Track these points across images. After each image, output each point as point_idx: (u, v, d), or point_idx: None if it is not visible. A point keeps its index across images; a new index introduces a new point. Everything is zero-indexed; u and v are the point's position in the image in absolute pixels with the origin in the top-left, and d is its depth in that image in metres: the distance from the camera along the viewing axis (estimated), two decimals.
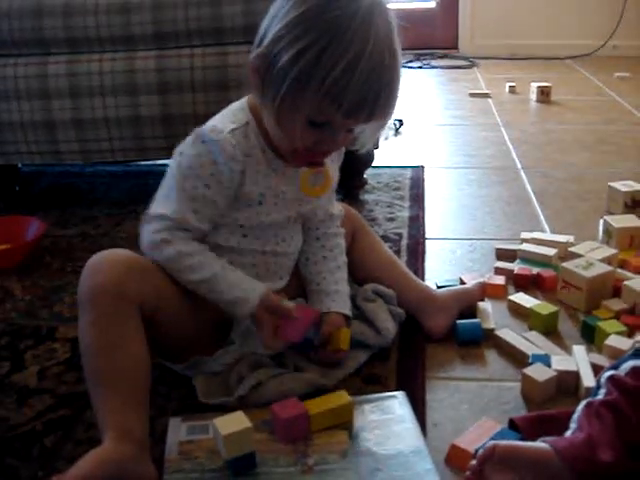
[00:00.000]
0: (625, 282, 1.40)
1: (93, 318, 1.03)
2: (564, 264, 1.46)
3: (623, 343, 1.23)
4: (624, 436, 0.92)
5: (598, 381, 1.00)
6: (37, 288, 1.60)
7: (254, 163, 1.15)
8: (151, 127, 1.91)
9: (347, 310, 1.27)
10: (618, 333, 1.27)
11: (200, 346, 1.19)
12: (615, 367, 1.00)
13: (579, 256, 1.50)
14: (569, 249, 1.57)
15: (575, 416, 0.98)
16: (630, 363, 0.98)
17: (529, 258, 1.60)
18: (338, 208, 1.35)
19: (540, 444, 0.94)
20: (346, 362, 1.22)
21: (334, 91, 1.00)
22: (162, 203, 1.15)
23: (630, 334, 1.29)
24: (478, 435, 1.04)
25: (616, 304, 1.38)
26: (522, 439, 1.00)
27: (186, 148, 1.14)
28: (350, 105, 1.02)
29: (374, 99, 1.03)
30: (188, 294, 1.15)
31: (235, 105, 1.20)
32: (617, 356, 1.19)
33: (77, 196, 2.22)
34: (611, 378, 0.97)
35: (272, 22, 1.05)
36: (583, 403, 0.98)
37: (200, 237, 1.16)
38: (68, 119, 1.94)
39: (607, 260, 1.49)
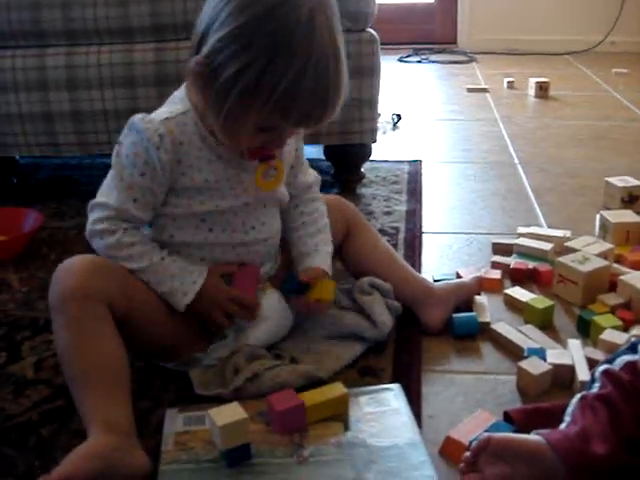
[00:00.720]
0: (621, 277, 1.41)
1: (64, 321, 1.05)
2: (560, 258, 1.46)
3: (618, 337, 1.24)
4: (618, 430, 0.92)
5: (592, 375, 1.01)
6: (34, 280, 1.60)
7: (193, 150, 1.14)
8: None
9: (326, 266, 1.27)
10: (613, 327, 1.27)
11: (189, 342, 1.20)
12: (610, 361, 1.00)
13: (575, 251, 1.51)
14: (565, 244, 1.57)
15: (569, 409, 0.98)
16: (625, 358, 0.98)
17: (525, 252, 1.61)
18: (314, 175, 1.35)
19: (534, 437, 0.95)
20: (342, 354, 1.23)
21: (280, 106, 1.00)
22: (105, 192, 1.16)
23: (625, 328, 1.29)
24: (473, 427, 1.04)
25: (612, 299, 1.39)
26: (516, 431, 1.01)
27: (123, 137, 1.14)
28: (297, 117, 1.02)
29: (322, 106, 1.03)
30: None
31: (177, 93, 1.19)
32: (612, 350, 1.20)
33: (75, 188, 2.22)
34: (606, 372, 0.98)
35: (211, 25, 1.03)
36: (577, 396, 0.98)
37: (141, 225, 1.18)
38: (66, 111, 1.94)
39: (603, 255, 1.49)
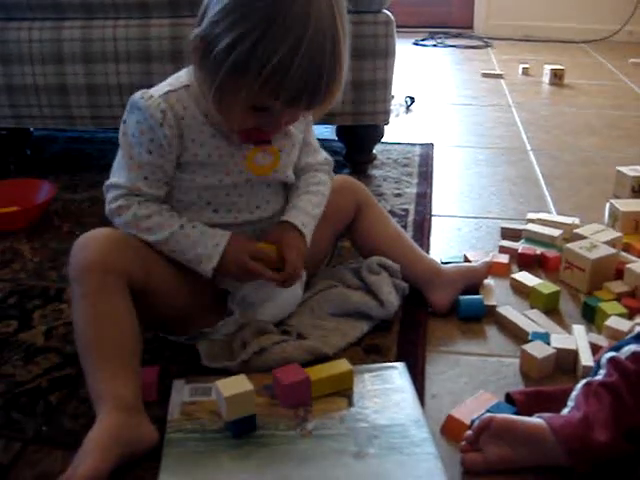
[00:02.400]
0: (628, 265, 1.41)
1: (82, 293, 1.06)
2: (568, 245, 1.47)
3: (623, 324, 1.24)
4: (620, 419, 0.93)
5: (598, 361, 1.02)
6: (46, 250, 1.62)
7: (195, 125, 1.13)
8: None
9: (297, 221, 1.22)
10: (618, 315, 1.28)
11: (200, 317, 1.21)
12: (616, 349, 1.01)
13: (584, 238, 1.51)
14: (574, 231, 1.58)
15: (573, 394, 0.99)
16: (632, 347, 0.99)
17: (534, 238, 1.61)
18: (324, 156, 1.33)
19: (536, 420, 0.96)
20: (348, 332, 1.24)
21: (271, 82, 0.98)
22: (117, 172, 1.16)
23: (630, 316, 1.30)
24: (474, 407, 1.05)
25: (618, 286, 1.39)
26: (517, 413, 1.02)
27: (127, 116, 1.14)
28: (288, 96, 1.00)
29: (313, 89, 1.00)
30: (179, 266, 1.17)
31: (183, 69, 1.18)
32: (616, 337, 1.21)
33: (88, 162, 2.24)
34: (612, 360, 0.98)
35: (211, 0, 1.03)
36: (582, 382, 0.99)
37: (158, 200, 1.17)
38: (81, 84, 1.96)
39: (612, 243, 1.50)
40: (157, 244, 1.15)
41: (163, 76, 1.87)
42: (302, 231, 1.22)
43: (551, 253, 1.53)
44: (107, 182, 1.17)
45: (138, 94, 1.12)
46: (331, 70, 1.00)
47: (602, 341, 1.22)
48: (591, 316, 1.32)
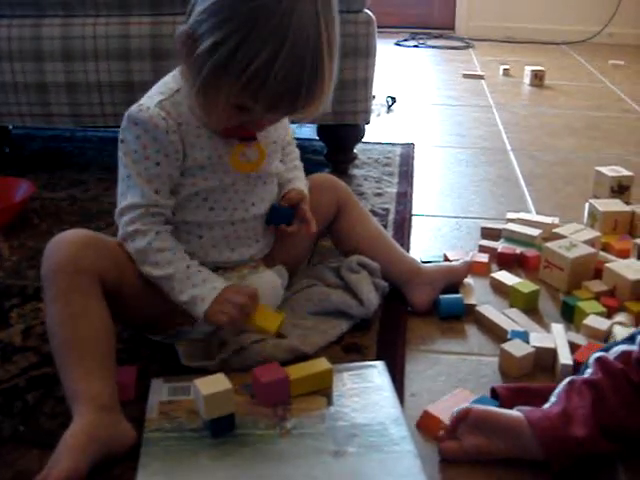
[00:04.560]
0: (606, 264, 1.42)
1: (54, 293, 1.05)
2: (547, 244, 1.47)
3: (601, 323, 1.25)
4: (600, 416, 0.94)
5: (586, 361, 1.03)
6: (24, 249, 1.61)
7: (192, 129, 1.13)
8: (143, 93, 1.88)
9: (305, 190, 1.29)
10: (597, 314, 1.29)
11: (178, 316, 1.19)
12: (606, 349, 1.02)
13: (563, 237, 1.52)
14: (553, 230, 1.59)
15: (556, 391, 1.00)
16: (621, 347, 1.00)
17: (513, 237, 1.62)
18: (291, 131, 1.34)
19: (514, 413, 0.97)
20: (328, 330, 1.24)
21: (251, 86, 0.98)
22: (127, 194, 1.13)
23: (609, 315, 1.31)
24: (451, 404, 1.06)
25: (596, 286, 1.40)
26: (500, 407, 1.02)
27: (125, 134, 1.12)
28: (267, 101, 1.00)
29: (293, 95, 1.00)
30: None
31: (170, 73, 1.18)
32: (595, 336, 1.22)
33: (67, 160, 2.22)
34: (598, 359, 1.00)
35: None
36: (567, 380, 1.00)
37: (170, 217, 1.15)
38: (61, 82, 1.94)
39: (591, 242, 1.51)
40: (158, 279, 1.12)
41: (142, 74, 1.89)
42: (307, 196, 1.28)
43: (530, 252, 1.54)
44: (119, 207, 1.13)
45: (134, 109, 1.11)
46: (311, 83, 1.00)
47: (581, 340, 1.23)
48: (570, 315, 1.33)
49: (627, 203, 1.77)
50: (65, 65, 1.93)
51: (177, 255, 1.13)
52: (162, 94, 1.13)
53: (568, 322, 1.32)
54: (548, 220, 1.68)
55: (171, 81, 1.15)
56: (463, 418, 0.98)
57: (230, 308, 1.10)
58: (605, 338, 1.23)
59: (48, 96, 1.96)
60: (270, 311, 1.15)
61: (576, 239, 1.50)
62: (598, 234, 1.57)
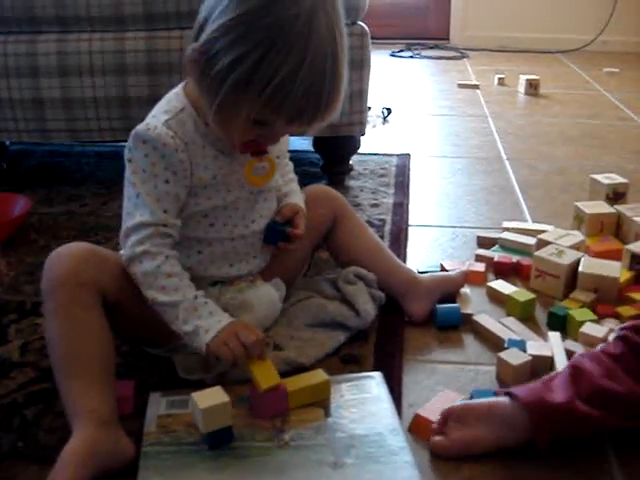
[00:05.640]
0: (580, 270, 1.43)
1: (54, 307, 1.06)
2: (537, 253, 1.48)
3: (598, 331, 1.26)
4: (579, 382, 1.01)
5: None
6: (22, 264, 1.61)
7: (198, 149, 1.13)
8: (139, 108, 1.92)
9: (302, 204, 1.29)
10: (590, 321, 1.30)
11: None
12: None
13: (548, 243, 1.53)
14: (538, 236, 1.60)
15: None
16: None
17: (509, 246, 1.63)
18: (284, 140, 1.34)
19: (496, 398, 1.04)
20: (325, 342, 1.24)
21: (273, 101, 0.98)
22: (135, 213, 1.11)
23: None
24: (440, 405, 1.08)
25: (582, 295, 1.40)
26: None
27: (133, 153, 1.12)
28: (290, 114, 1.01)
29: (315, 106, 1.01)
30: None
31: (172, 91, 1.18)
32: (592, 343, 1.23)
33: (64, 175, 2.23)
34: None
35: (211, 13, 1.01)
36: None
37: (177, 237, 1.14)
38: (57, 98, 1.95)
39: (576, 247, 1.53)
40: (162, 305, 1.09)
41: (138, 89, 1.90)
42: (304, 211, 1.29)
43: (526, 261, 1.54)
44: (126, 226, 1.11)
45: (141, 127, 1.11)
46: (332, 88, 1.01)
47: (578, 348, 1.23)
48: (558, 325, 1.33)
49: None
50: (61, 81, 1.93)
51: (184, 282, 1.11)
52: (167, 113, 1.13)
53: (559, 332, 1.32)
54: (543, 228, 1.69)
55: (174, 99, 1.15)
56: (448, 417, 1.03)
57: (235, 343, 1.06)
58: None
59: (44, 112, 1.97)
60: (272, 368, 1.08)
61: (562, 244, 1.51)
62: (582, 238, 1.58)
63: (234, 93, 1.00)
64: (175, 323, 1.09)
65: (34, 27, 1.94)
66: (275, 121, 1.04)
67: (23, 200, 1.81)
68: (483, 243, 1.69)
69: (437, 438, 1.02)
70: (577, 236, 1.58)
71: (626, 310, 1.35)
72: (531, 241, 1.61)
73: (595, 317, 1.31)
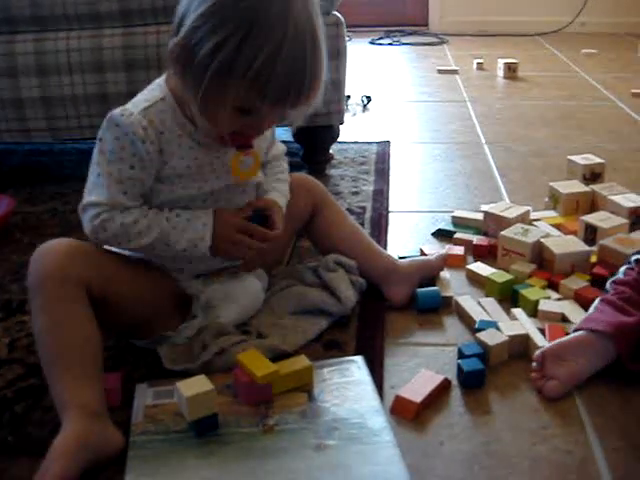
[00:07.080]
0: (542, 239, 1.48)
1: (41, 302, 1.07)
2: (503, 232, 1.51)
3: (555, 306, 1.31)
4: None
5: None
6: (7, 263, 1.62)
7: (174, 138, 1.15)
8: (118, 104, 1.90)
9: (281, 201, 1.30)
10: (543, 299, 1.34)
11: (162, 322, 1.22)
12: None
13: (494, 215, 1.62)
14: (482, 208, 1.69)
15: (590, 310, 1.23)
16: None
17: (463, 224, 1.72)
18: (282, 146, 1.39)
19: (575, 333, 1.16)
20: (307, 329, 1.27)
21: (257, 83, 1.01)
22: (93, 191, 1.14)
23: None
24: (419, 386, 1.11)
25: (524, 266, 1.45)
26: None
27: (104, 133, 1.13)
28: (275, 95, 1.03)
29: (298, 87, 1.04)
30: (140, 273, 1.19)
31: (155, 81, 1.20)
32: (552, 318, 1.29)
33: (47, 173, 2.24)
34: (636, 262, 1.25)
35: (189, 6, 1.04)
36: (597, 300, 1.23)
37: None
38: (36, 97, 1.96)
39: (520, 218, 1.60)
40: (150, 246, 1.15)
41: (117, 85, 1.91)
42: (281, 206, 1.29)
43: (484, 241, 1.60)
44: (83, 202, 1.15)
45: (117, 111, 1.12)
46: (313, 66, 1.04)
47: (538, 325, 1.27)
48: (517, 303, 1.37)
49: None
50: (40, 80, 1.94)
51: (150, 216, 1.15)
52: (147, 101, 1.15)
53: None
54: (521, 210, 1.71)
55: (157, 89, 1.17)
56: (545, 358, 1.13)
57: (237, 237, 1.18)
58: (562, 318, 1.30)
59: (25, 111, 1.98)
60: (262, 357, 1.10)
61: (507, 215, 1.59)
62: (526, 209, 1.65)
63: (218, 78, 1.02)
64: (172, 250, 1.17)
65: (11, 27, 1.94)
66: (261, 107, 1.05)
67: (6, 200, 1.83)
68: (459, 223, 1.73)
69: (548, 384, 1.11)
70: (520, 208, 1.64)
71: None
72: (479, 216, 1.68)
73: (547, 294, 1.35)
